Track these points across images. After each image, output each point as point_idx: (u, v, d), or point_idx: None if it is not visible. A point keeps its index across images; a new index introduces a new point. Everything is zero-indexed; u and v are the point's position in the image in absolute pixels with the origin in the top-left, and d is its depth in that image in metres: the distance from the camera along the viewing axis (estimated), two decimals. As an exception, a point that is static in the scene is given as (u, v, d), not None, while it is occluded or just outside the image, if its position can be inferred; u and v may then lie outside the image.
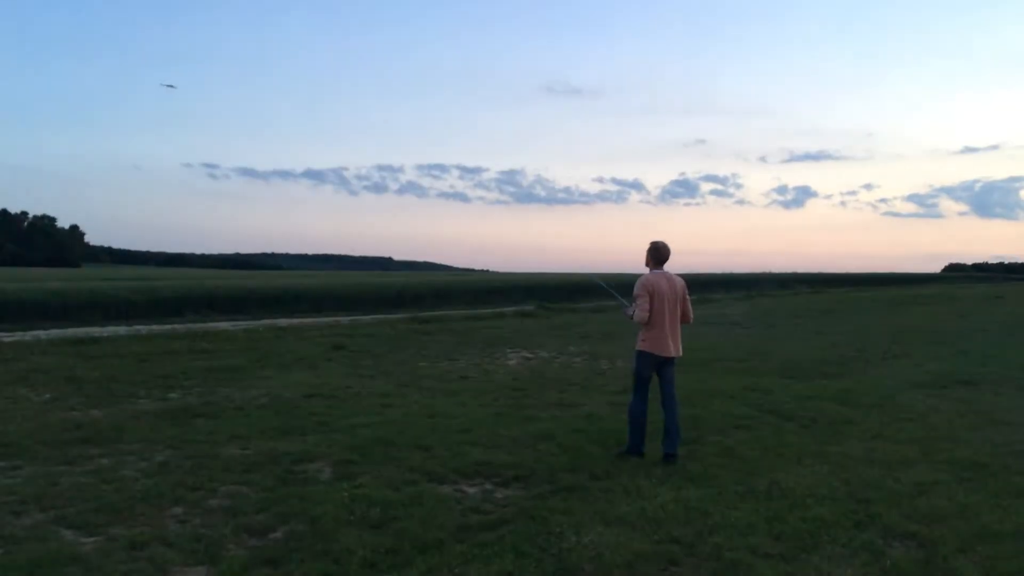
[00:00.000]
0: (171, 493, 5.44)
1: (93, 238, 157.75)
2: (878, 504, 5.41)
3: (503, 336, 17.88)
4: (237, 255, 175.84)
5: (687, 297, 6.93)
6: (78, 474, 5.93)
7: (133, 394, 9.54)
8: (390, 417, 8.20)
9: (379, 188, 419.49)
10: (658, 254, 6.86)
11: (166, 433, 7.32)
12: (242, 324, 19.77)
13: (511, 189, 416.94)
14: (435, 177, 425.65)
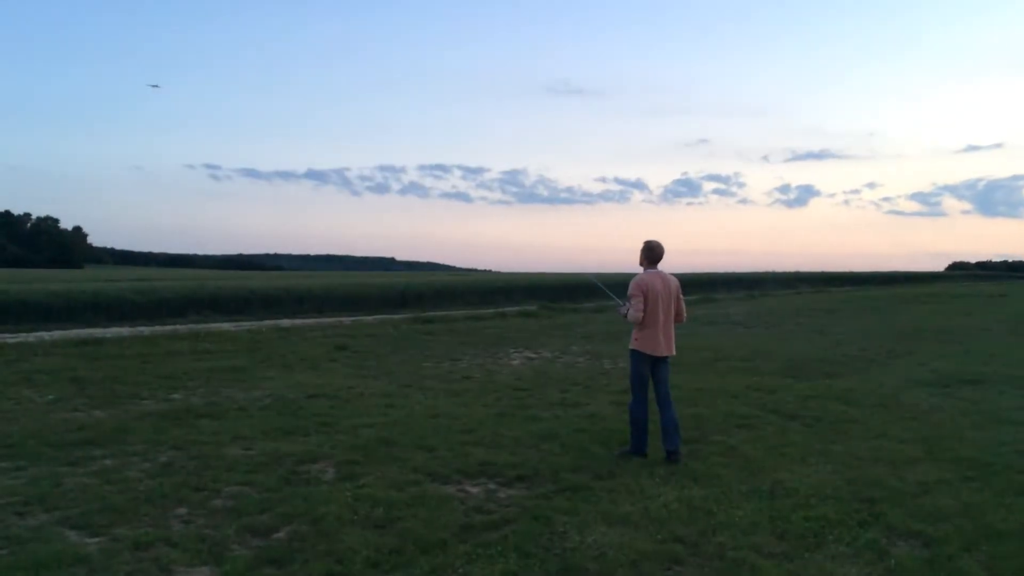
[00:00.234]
0: (175, 494, 5.45)
1: (96, 239, 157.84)
2: (882, 503, 5.41)
3: (506, 336, 17.88)
4: (240, 256, 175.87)
5: (681, 297, 6.94)
6: (82, 475, 5.94)
7: (136, 395, 9.55)
8: (393, 417, 8.20)
9: (381, 188, 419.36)
10: (652, 253, 6.87)
11: (170, 434, 7.33)
12: (245, 325, 19.79)
13: (513, 189, 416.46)
14: (437, 177, 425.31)
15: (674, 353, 6.88)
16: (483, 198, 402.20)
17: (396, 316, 23.12)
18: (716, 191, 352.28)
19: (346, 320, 21.74)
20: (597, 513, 5.14)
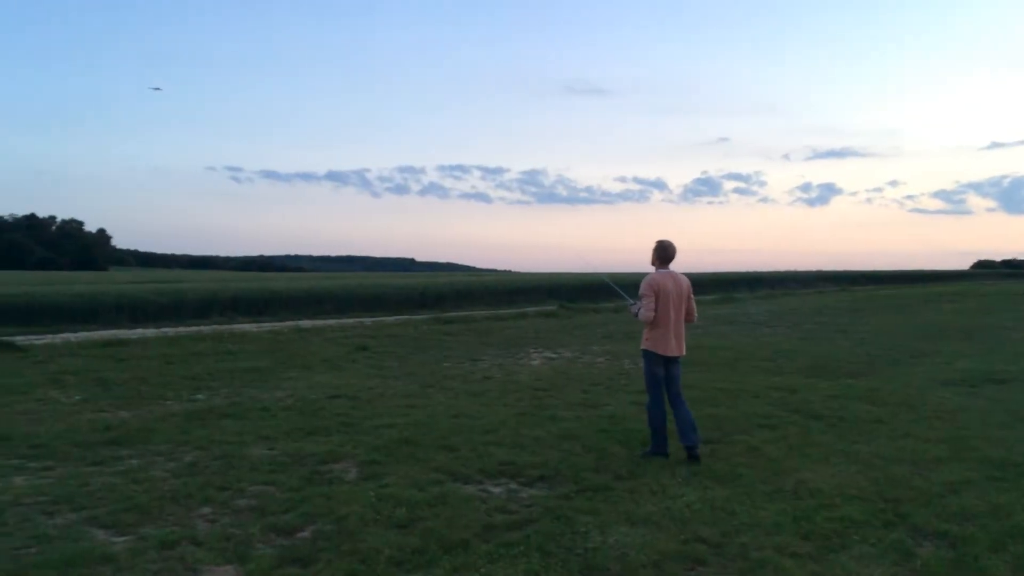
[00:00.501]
0: (200, 493, 5.50)
1: (120, 241, 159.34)
2: (908, 503, 5.37)
3: (526, 336, 17.88)
4: (261, 257, 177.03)
5: (692, 297, 6.92)
6: (108, 475, 6.01)
7: (161, 395, 9.64)
8: (414, 417, 8.23)
9: (401, 189, 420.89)
10: (664, 253, 6.85)
11: (194, 434, 7.39)
12: (266, 325, 19.93)
13: (533, 189, 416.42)
14: (457, 178, 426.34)
15: (684, 353, 6.86)
16: (502, 198, 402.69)
17: (416, 317, 23.19)
18: (737, 190, 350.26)
19: (366, 321, 21.82)
20: (619, 513, 5.13)
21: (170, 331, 18.06)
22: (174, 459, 6.52)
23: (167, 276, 59.70)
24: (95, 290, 23.81)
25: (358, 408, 8.76)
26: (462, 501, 5.36)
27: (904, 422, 8.13)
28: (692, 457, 6.49)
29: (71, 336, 16.83)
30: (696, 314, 7.02)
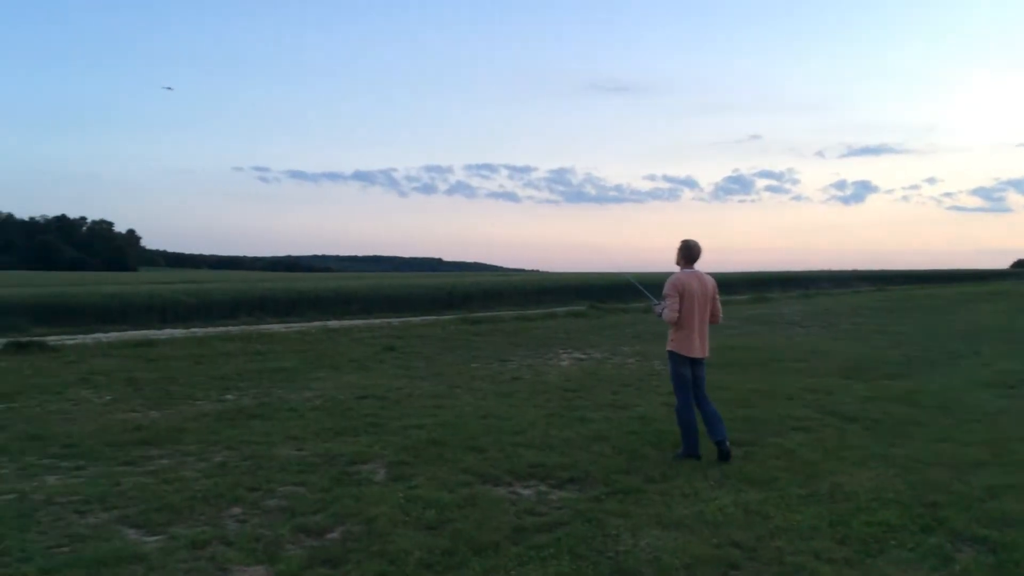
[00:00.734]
0: (230, 493, 5.50)
1: (149, 242, 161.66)
2: (947, 508, 5.24)
3: (554, 337, 17.81)
4: (288, 257, 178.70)
5: (717, 297, 6.84)
6: (139, 474, 6.04)
7: (190, 395, 9.70)
8: (443, 418, 8.20)
9: (428, 189, 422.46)
10: (689, 253, 6.77)
11: (223, 434, 7.42)
12: (294, 326, 20.05)
13: (561, 188, 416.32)
14: (484, 177, 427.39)
15: (707, 355, 6.79)
16: (530, 197, 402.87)
17: (444, 317, 23.21)
18: (769, 188, 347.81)
19: (394, 321, 21.87)
20: (650, 516, 5.06)
21: (199, 331, 18.23)
22: (204, 459, 6.54)
23: (196, 276, 60.34)
24: (125, 291, 24.11)
25: (386, 409, 8.76)
26: (491, 503, 5.31)
27: (942, 425, 7.97)
28: (723, 452, 6.45)
29: (102, 336, 17.04)
30: (721, 315, 6.94)
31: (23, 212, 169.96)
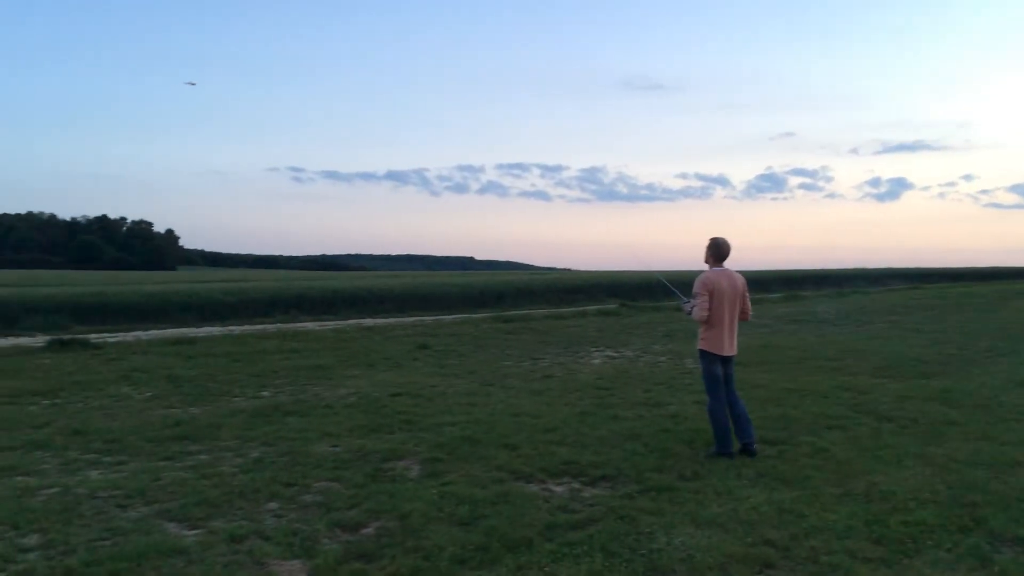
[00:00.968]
0: (267, 488, 5.59)
1: (187, 242, 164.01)
2: (985, 508, 5.17)
3: (586, 335, 17.80)
4: (323, 256, 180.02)
5: (747, 295, 6.81)
6: (179, 469, 6.16)
7: (228, 392, 9.86)
8: (476, 416, 8.25)
9: (460, 188, 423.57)
10: (718, 251, 6.74)
11: (260, 430, 7.53)
12: (329, 324, 20.24)
13: (592, 187, 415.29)
14: (516, 176, 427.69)
15: (736, 353, 6.78)
16: (562, 196, 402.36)
17: (476, 315, 23.28)
18: (802, 186, 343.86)
19: (427, 319, 22.00)
20: (683, 514, 5.05)
21: (236, 329, 18.48)
22: (241, 455, 6.65)
23: (233, 276, 61.08)
24: (164, 289, 24.49)
25: (420, 406, 8.82)
26: (524, 500, 5.34)
27: (980, 424, 7.85)
28: (749, 451, 6.48)
29: (142, 334, 17.35)
30: (751, 312, 6.91)
31: (65, 213, 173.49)
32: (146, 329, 18.72)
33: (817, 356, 13.36)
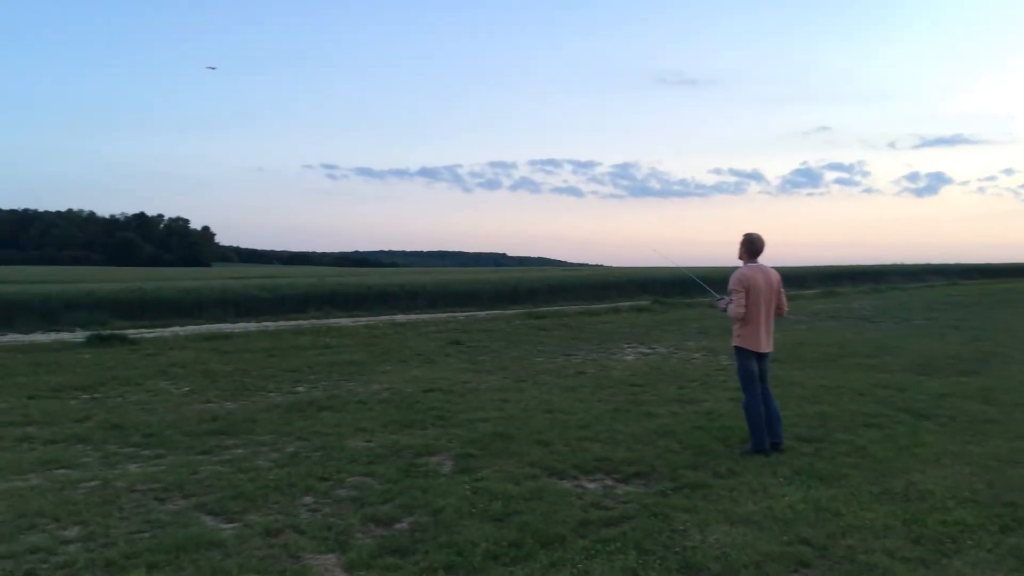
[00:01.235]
0: (302, 483, 5.64)
1: (223, 238, 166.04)
2: (1027, 508, 5.07)
3: (619, 331, 17.74)
4: (356, 252, 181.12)
5: (782, 291, 6.73)
6: (215, 463, 6.23)
7: (263, 387, 9.96)
8: (508, 412, 8.25)
9: (493, 185, 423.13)
10: (753, 247, 6.68)
11: (295, 425, 7.60)
12: (362, 320, 20.39)
13: (625, 183, 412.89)
14: (548, 172, 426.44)
15: (772, 349, 6.74)
16: (594, 192, 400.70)
17: (508, 311, 23.29)
18: (838, 180, 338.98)
19: (459, 315, 22.06)
20: (718, 512, 5.02)
21: (271, 325, 18.68)
22: (277, 449, 6.72)
23: (267, 272, 61.73)
24: (200, 286, 24.81)
25: (452, 402, 8.85)
26: (557, 496, 5.33)
27: (1021, 422, 7.70)
28: (776, 449, 6.48)
29: (179, 330, 17.60)
30: (786, 308, 6.85)
31: (104, 210, 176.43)
32: (183, 325, 18.98)
33: (854, 353, 13.19)
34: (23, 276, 41.38)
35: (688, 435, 7.12)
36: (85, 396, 9.35)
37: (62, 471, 6.02)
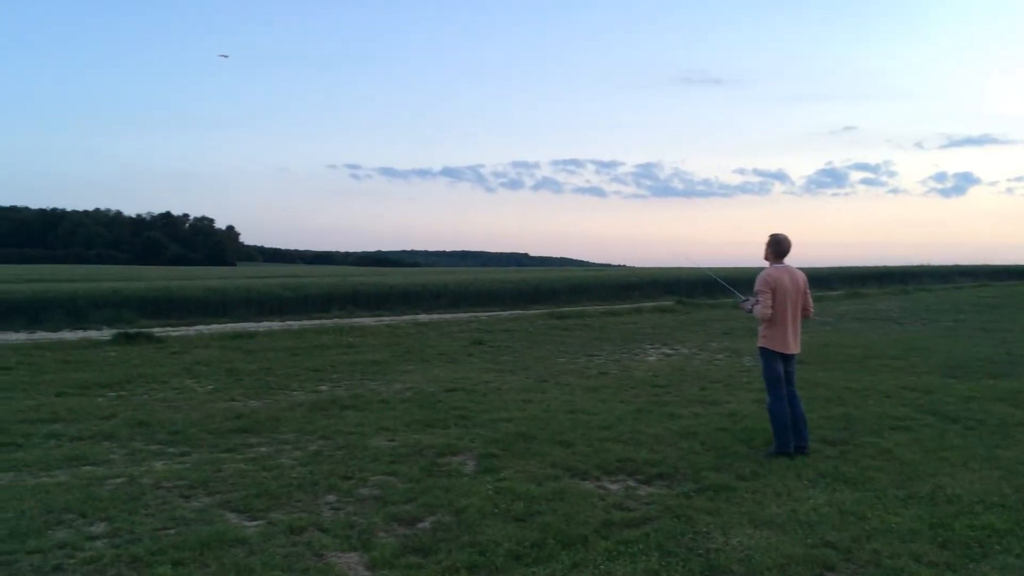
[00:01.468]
0: (325, 481, 5.67)
1: (247, 238, 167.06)
2: (1057, 513, 5.00)
3: (641, 332, 17.68)
4: (378, 252, 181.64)
5: (808, 292, 6.68)
6: (240, 461, 6.28)
7: (287, 386, 10.02)
8: (530, 412, 8.25)
9: (515, 184, 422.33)
10: (779, 247, 6.63)
11: (318, 424, 7.64)
12: (385, 319, 20.47)
13: (648, 183, 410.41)
14: (571, 172, 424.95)
15: (799, 351, 6.69)
16: (617, 192, 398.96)
17: (531, 311, 23.29)
18: (864, 181, 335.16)
19: (482, 315, 22.09)
20: (741, 514, 4.98)
21: (295, 324, 18.80)
22: (300, 448, 6.75)
23: (291, 271, 62.11)
24: (225, 285, 25.02)
25: (475, 402, 8.86)
26: (580, 497, 5.32)
27: (1052, 426, 7.58)
28: (801, 452, 6.43)
29: (204, 328, 17.76)
30: (812, 309, 6.80)
31: (131, 209, 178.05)
32: (207, 323, 19.16)
33: (880, 355, 13.06)
34: (51, 274, 41.90)
35: (711, 436, 7.08)
36: (112, 394, 9.45)
37: (89, 468, 6.09)
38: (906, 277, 46.21)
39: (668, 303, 26.31)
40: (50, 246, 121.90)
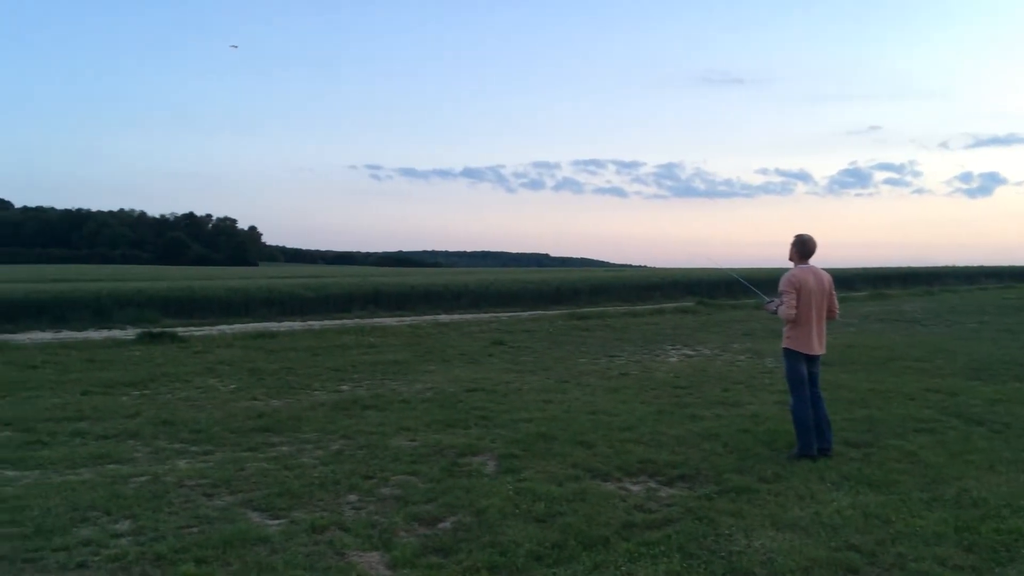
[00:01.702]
0: (346, 481, 5.69)
1: (269, 238, 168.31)
2: (1086, 518, 4.92)
3: (662, 332, 17.62)
4: (399, 252, 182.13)
5: (833, 292, 6.64)
6: (262, 460, 6.32)
7: (308, 386, 10.08)
8: (551, 412, 8.24)
9: (536, 185, 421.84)
10: (804, 248, 6.58)
11: (339, 423, 7.68)
12: (406, 319, 20.53)
13: (669, 183, 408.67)
14: (591, 173, 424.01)
15: (824, 351, 6.63)
16: (638, 192, 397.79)
17: (551, 312, 23.26)
18: (888, 181, 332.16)
19: (502, 316, 22.09)
20: (764, 516, 4.95)
21: (316, 324, 18.89)
22: (322, 447, 6.79)
23: (312, 271, 62.46)
24: (247, 285, 25.19)
25: (495, 402, 8.86)
26: (601, 498, 5.31)
27: (1080, 430, 7.48)
28: (824, 454, 6.38)
29: (226, 328, 17.88)
30: (838, 310, 6.74)
31: (155, 210, 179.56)
32: (230, 323, 19.29)
33: (904, 357, 12.93)
34: (76, 274, 42.38)
35: (733, 438, 7.04)
36: (136, 392, 9.54)
37: (113, 466, 6.15)
38: (931, 278, 45.72)
39: (689, 304, 26.22)
40: (75, 246, 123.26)
